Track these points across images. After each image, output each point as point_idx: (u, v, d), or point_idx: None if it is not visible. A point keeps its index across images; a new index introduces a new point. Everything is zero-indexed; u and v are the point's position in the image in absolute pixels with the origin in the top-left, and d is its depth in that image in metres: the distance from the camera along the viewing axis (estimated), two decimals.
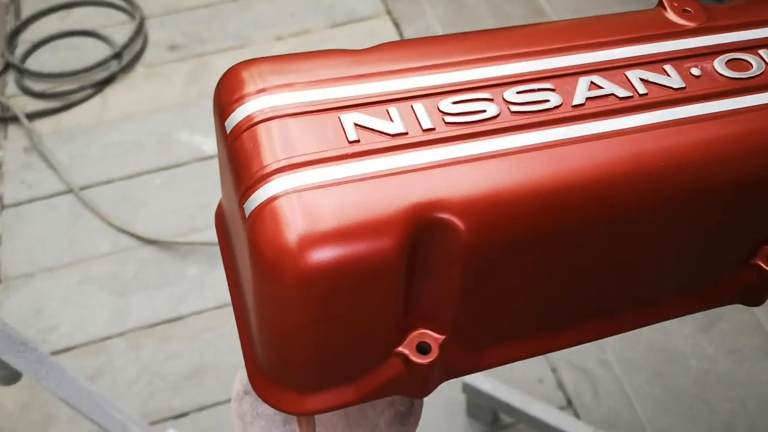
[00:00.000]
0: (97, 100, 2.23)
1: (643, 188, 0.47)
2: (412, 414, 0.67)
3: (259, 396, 0.50)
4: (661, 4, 0.57)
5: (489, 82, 0.49)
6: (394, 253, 0.42)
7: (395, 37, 2.38)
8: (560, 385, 1.66)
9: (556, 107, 0.49)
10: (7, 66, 2.34)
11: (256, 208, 0.42)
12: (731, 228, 0.54)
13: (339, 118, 0.46)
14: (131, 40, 2.37)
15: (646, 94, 0.50)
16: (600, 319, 0.56)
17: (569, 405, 1.64)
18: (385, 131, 0.45)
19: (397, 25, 2.41)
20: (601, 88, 0.50)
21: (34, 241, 1.95)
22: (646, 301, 0.57)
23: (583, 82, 0.50)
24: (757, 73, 0.53)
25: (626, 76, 0.51)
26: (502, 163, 0.45)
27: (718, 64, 0.53)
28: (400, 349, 0.48)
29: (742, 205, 0.52)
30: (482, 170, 0.45)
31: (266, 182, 0.43)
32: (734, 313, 1.73)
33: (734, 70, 0.53)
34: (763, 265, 0.56)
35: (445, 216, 0.43)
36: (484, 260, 0.46)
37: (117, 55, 2.33)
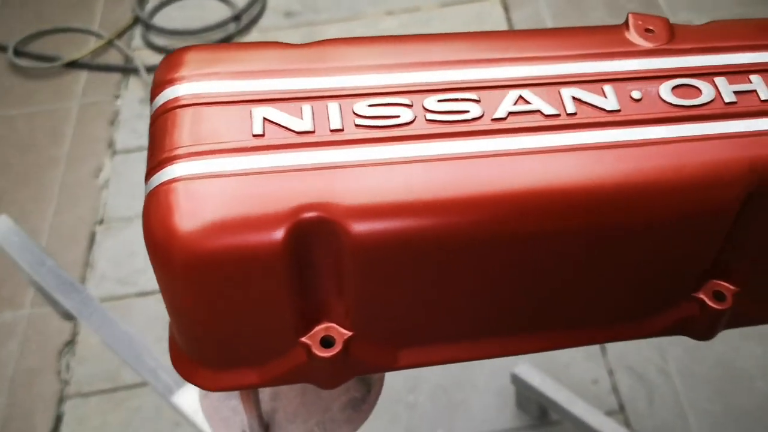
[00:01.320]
0: None
1: (547, 211, 0.47)
2: (367, 401, 0.70)
3: (174, 368, 0.54)
4: (626, 21, 0.56)
5: (413, 87, 0.50)
6: (278, 248, 0.45)
7: (502, 21, 2.36)
8: (615, 389, 1.63)
9: (474, 119, 0.49)
10: (136, 20, 2.48)
11: (153, 189, 0.46)
12: (660, 261, 0.53)
13: (251, 111, 0.48)
14: (250, 5, 2.45)
15: (574, 114, 0.50)
16: (526, 334, 0.56)
17: (621, 410, 1.61)
18: (291, 128, 0.48)
19: (506, 9, 2.38)
20: (529, 103, 0.50)
21: (138, 187, 2.08)
22: (577, 321, 0.57)
23: (511, 95, 0.51)
24: (705, 101, 0.52)
25: (560, 93, 0.51)
26: (400, 170, 0.47)
27: (664, 89, 0.52)
28: (303, 339, 0.51)
29: (669, 240, 0.51)
30: (378, 176, 0.46)
31: (166, 166, 0.46)
32: None
33: (680, 96, 0.52)
34: (705, 299, 0.55)
35: (332, 218, 0.45)
36: (375, 263, 0.47)
37: (236, 18, 2.42)
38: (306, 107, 0.49)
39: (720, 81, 0.53)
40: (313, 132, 0.48)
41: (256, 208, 0.44)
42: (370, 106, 0.49)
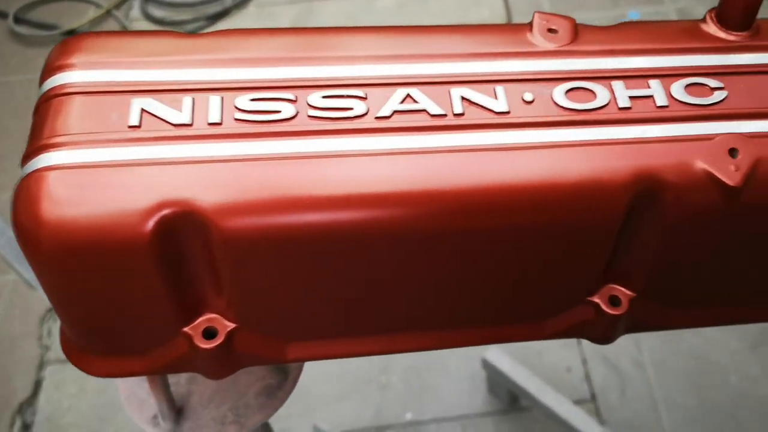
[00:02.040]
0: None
1: (422, 213, 0.47)
2: (283, 389, 0.70)
3: (64, 352, 0.54)
4: (531, 20, 0.55)
5: (299, 82, 0.50)
6: (144, 242, 0.45)
7: (499, 6, 2.33)
8: (588, 378, 1.63)
9: (357, 116, 0.49)
10: None
11: (25, 176, 0.46)
12: (549, 264, 0.52)
13: (131, 101, 0.48)
14: None
15: (461, 114, 0.50)
16: (419, 332, 0.56)
17: (592, 400, 1.61)
18: (169, 120, 0.47)
19: None
20: (416, 102, 0.50)
21: None
22: (471, 320, 0.56)
23: (399, 93, 0.50)
24: (598, 105, 0.51)
25: (450, 92, 0.51)
26: (274, 166, 0.46)
27: (558, 92, 0.51)
28: (186, 330, 0.51)
29: (555, 244, 0.51)
30: (250, 171, 0.46)
31: (41, 154, 0.46)
32: None
33: (573, 100, 0.51)
34: (601, 303, 0.55)
35: (200, 213, 0.45)
36: (245, 258, 0.47)
37: None
38: (187, 99, 0.48)
39: (617, 85, 0.52)
40: (190, 125, 0.48)
41: (123, 202, 0.44)
42: (252, 100, 0.49)
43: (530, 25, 0.55)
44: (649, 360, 1.64)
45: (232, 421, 0.67)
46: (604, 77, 0.52)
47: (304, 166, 0.46)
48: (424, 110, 0.50)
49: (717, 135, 0.49)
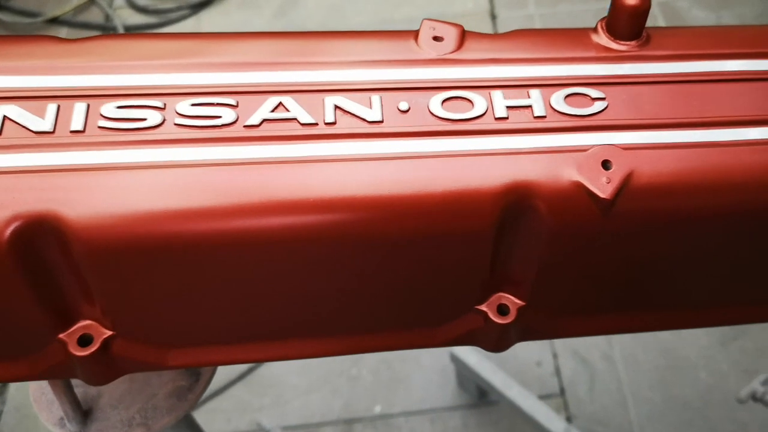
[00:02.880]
0: (191, 21, 2.33)
1: (287, 222, 0.47)
2: (193, 391, 0.70)
3: None
4: (419, 27, 0.54)
5: (168, 90, 0.49)
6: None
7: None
8: (557, 372, 1.63)
9: (225, 125, 0.48)
10: None
11: None
12: (429, 272, 0.52)
13: None
14: None
15: (332, 123, 0.49)
16: (299, 338, 0.56)
17: (561, 394, 1.60)
18: (30, 128, 0.47)
19: None
20: (288, 110, 0.49)
21: None
22: (360, 327, 0.56)
23: (270, 101, 0.49)
24: (475, 115, 0.50)
25: (323, 101, 0.50)
26: (133, 175, 0.46)
27: (434, 101, 0.50)
28: (61, 336, 0.51)
29: (431, 253, 0.50)
30: (106, 180, 0.46)
31: None
32: (762, 332, 1.61)
33: (450, 110, 0.50)
34: (488, 312, 0.54)
35: (56, 225, 0.44)
36: (108, 269, 0.47)
37: None
38: (52, 106, 0.48)
39: (496, 95, 0.51)
40: (52, 133, 0.47)
41: None
42: (118, 107, 0.48)
43: (416, 32, 0.54)
44: (619, 355, 1.63)
45: (139, 423, 0.67)
46: (484, 86, 0.51)
47: (164, 175, 0.46)
48: (294, 119, 0.49)
49: (592, 146, 0.48)
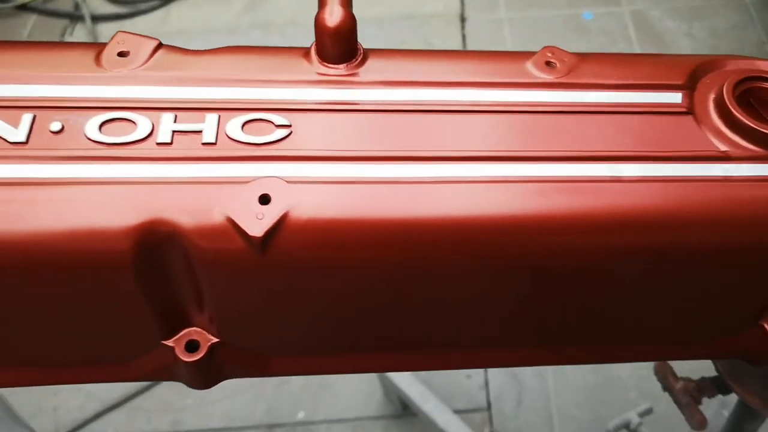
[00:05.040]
0: (160, 13, 2.31)
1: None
2: None
3: None
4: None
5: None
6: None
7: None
8: (486, 386, 1.59)
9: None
10: None
11: None
12: (99, 309, 0.49)
13: None
14: None
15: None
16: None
17: (488, 408, 1.57)
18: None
19: None
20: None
21: None
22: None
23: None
24: (133, 139, 0.46)
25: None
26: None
27: (92, 123, 0.47)
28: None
29: (80, 292, 0.47)
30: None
31: None
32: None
33: (107, 133, 0.46)
34: (175, 348, 0.51)
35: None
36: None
37: None
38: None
39: (166, 117, 0.47)
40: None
41: None
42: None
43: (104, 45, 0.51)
44: (550, 371, 1.59)
45: None
46: (156, 108, 0.47)
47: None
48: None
49: (256, 178, 0.45)
